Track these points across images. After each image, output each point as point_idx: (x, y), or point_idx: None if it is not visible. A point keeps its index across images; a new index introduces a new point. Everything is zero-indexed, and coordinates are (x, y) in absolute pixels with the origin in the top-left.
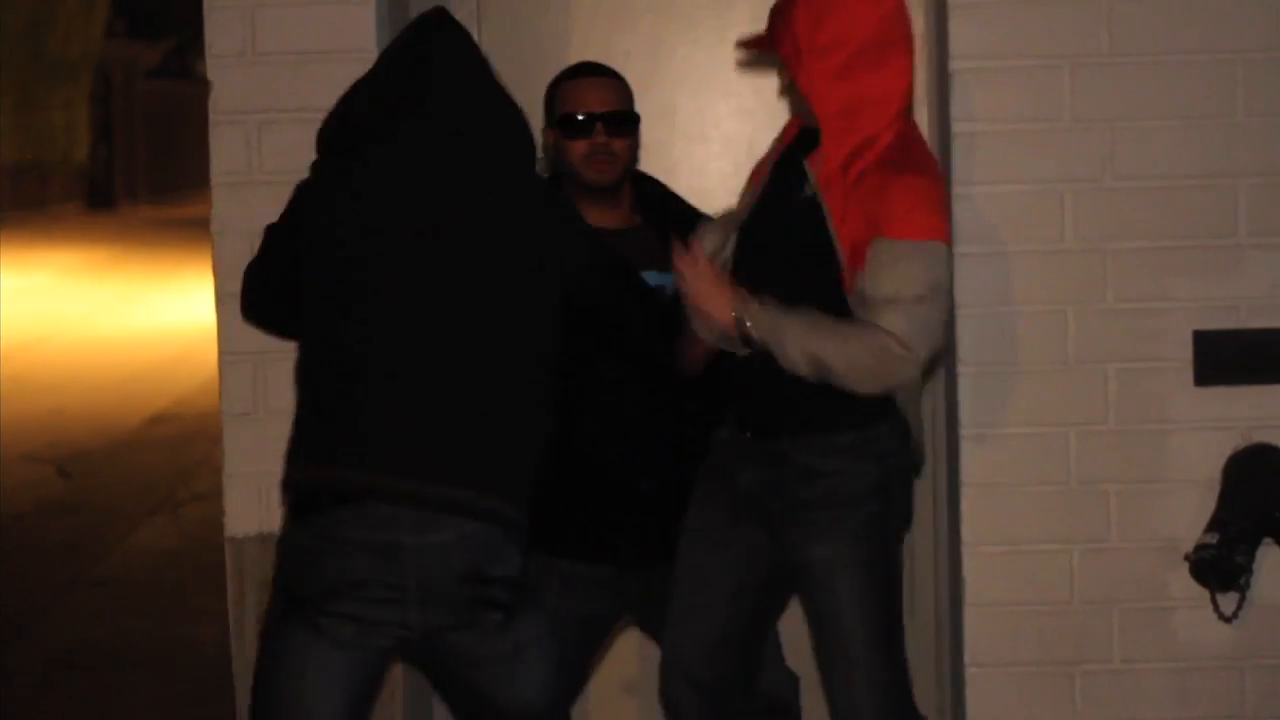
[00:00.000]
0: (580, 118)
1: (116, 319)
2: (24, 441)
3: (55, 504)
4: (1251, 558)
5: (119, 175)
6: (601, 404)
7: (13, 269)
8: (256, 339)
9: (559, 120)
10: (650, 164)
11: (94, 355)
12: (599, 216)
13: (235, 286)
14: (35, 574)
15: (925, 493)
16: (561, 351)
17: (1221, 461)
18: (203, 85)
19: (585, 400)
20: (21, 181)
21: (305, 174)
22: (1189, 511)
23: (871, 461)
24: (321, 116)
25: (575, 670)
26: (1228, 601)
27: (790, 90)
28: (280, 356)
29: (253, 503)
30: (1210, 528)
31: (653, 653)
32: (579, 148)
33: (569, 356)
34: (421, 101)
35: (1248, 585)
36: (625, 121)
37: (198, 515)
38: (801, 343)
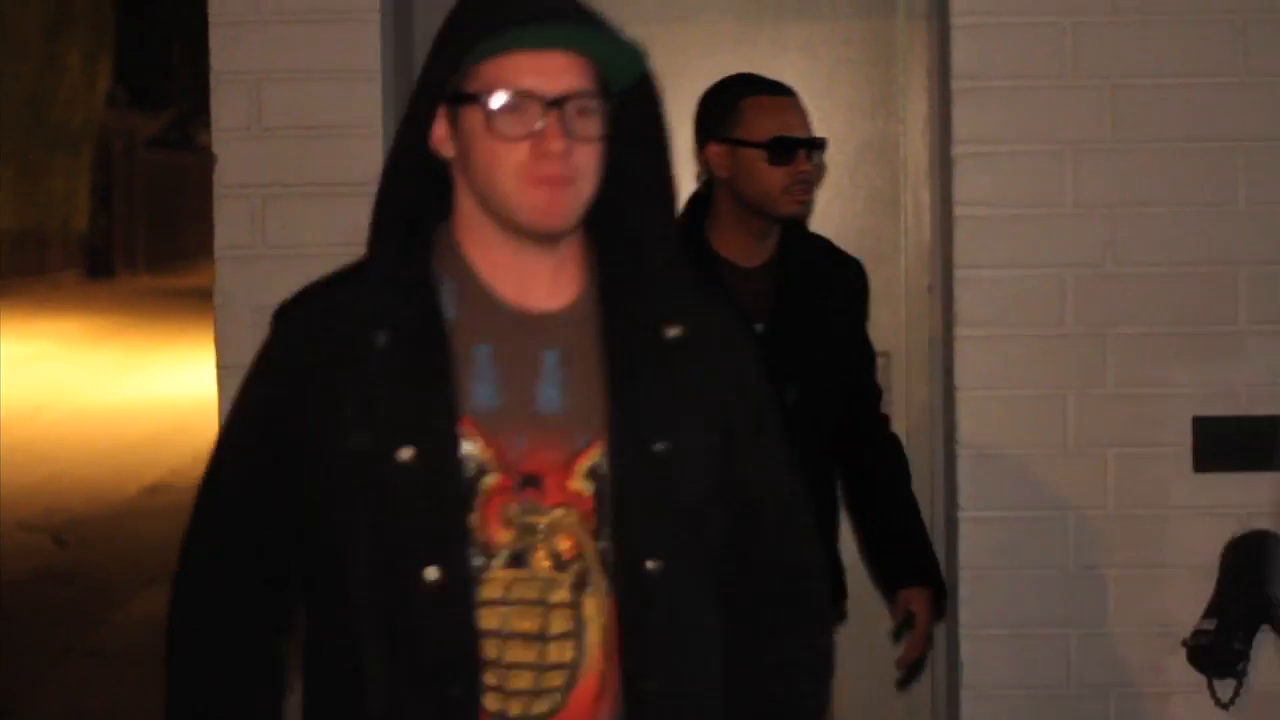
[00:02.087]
0: (790, 141)
1: (114, 388)
2: (20, 509)
3: (51, 573)
4: (1249, 645)
5: (119, 244)
6: None
7: (12, 337)
8: None
9: (768, 142)
10: None
11: (91, 424)
12: (752, 250)
13: (236, 358)
14: (30, 643)
15: None
16: None
17: (1220, 547)
18: (205, 156)
19: None
20: (21, 249)
21: (310, 247)
22: (1187, 597)
23: None
24: (327, 190)
25: None
26: (1225, 688)
27: None
28: None
29: None
30: (1208, 614)
31: None
32: (780, 176)
33: None
34: None
35: (1245, 672)
36: (822, 149)
37: None
38: None
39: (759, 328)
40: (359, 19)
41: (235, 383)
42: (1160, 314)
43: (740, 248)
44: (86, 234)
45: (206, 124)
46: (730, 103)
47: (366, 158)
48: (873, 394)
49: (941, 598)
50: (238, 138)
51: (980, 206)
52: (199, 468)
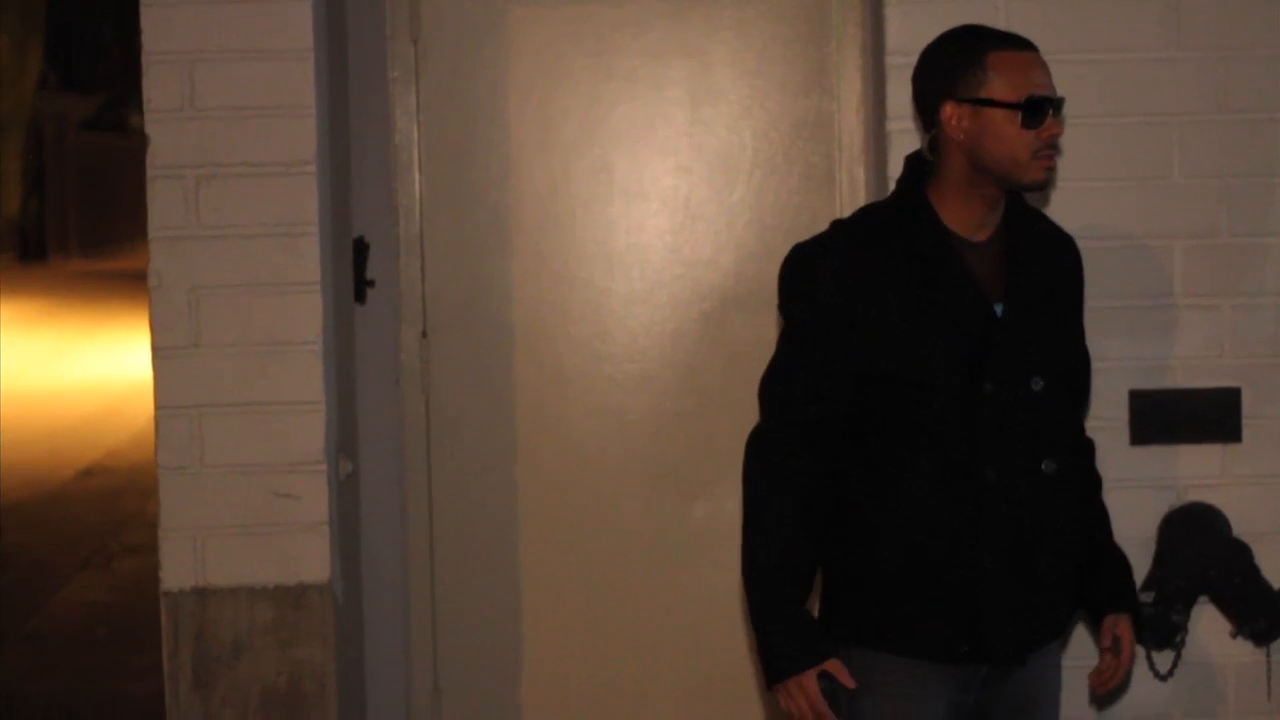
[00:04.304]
0: (1045, 101)
1: (47, 372)
2: None
3: None
4: (1187, 616)
5: (51, 228)
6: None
7: None
8: (193, 393)
9: (1025, 102)
10: (589, 221)
11: (25, 408)
12: (981, 222)
13: (172, 340)
14: None
15: None
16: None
17: (1157, 520)
18: (137, 138)
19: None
20: None
21: (244, 228)
22: None
23: None
24: (261, 171)
25: None
26: (1163, 659)
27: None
28: (217, 411)
29: (188, 557)
30: (1146, 586)
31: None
32: (1028, 140)
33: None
34: None
35: (1183, 643)
36: (1061, 108)
37: (130, 569)
38: None
39: (997, 309)
40: None
41: (170, 365)
42: (1096, 288)
43: (969, 219)
44: (18, 218)
45: (138, 106)
46: (972, 59)
47: (299, 138)
48: (1085, 394)
49: (1140, 625)
50: (170, 119)
51: None
52: (133, 451)
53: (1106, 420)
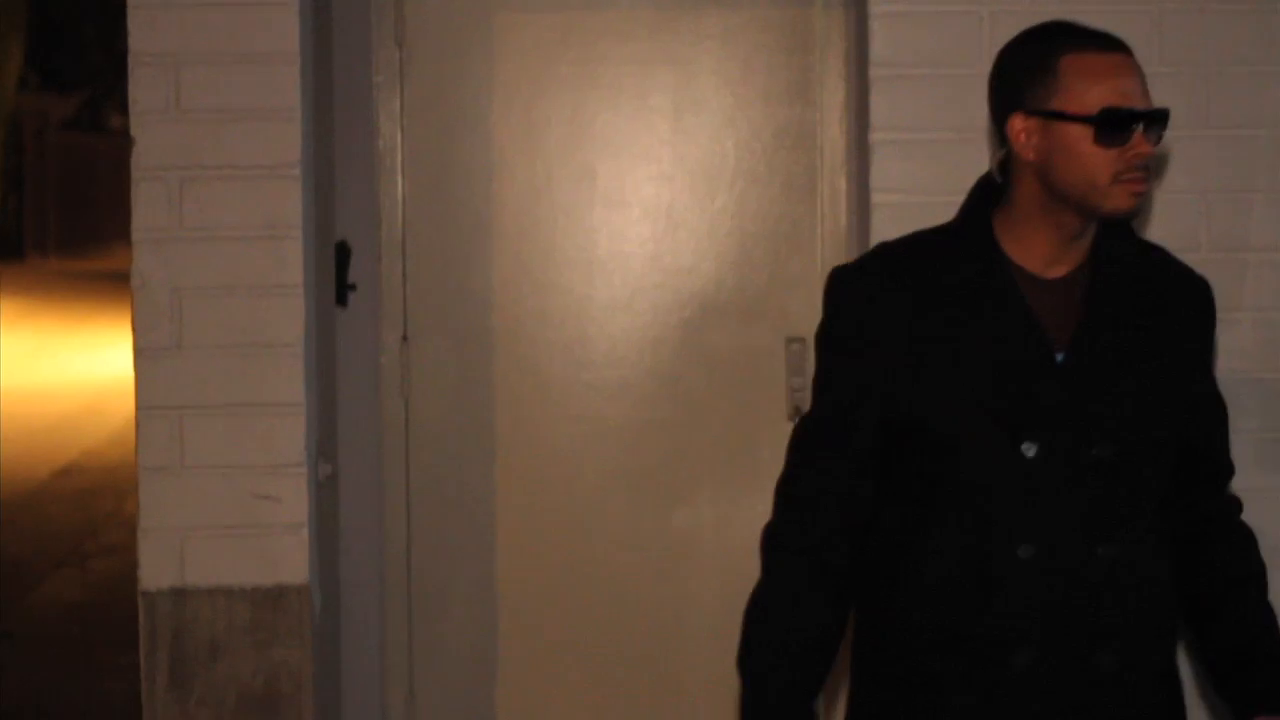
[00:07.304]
0: (1125, 114)
1: (24, 371)
2: None
3: None
4: None
5: (29, 227)
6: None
7: None
8: (174, 393)
9: (1100, 115)
10: (571, 227)
11: (1, 407)
12: (1056, 255)
13: (154, 341)
14: None
15: None
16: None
17: None
18: (118, 138)
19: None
20: None
21: (228, 230)
22: None
23: None
24: (245, 173)
25: None
26: None
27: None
28: (198, 412)
29: (167, 557)
30: None
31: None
32: (1107, 160)
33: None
34: None
35: None
36: (1163, 124)
37: (106, 568)
38: None
39: (1059, 357)
40: (277, 1)
41: (152, 365)
42: None
43: (1040, 252)
44: None
45: (119, 106)
46: (1044, 62)
47: (284, 141)
48: (1221, 467)
49: None
50: (156, 120)
51: (897, 193)
52: (110, 451)
53: None
